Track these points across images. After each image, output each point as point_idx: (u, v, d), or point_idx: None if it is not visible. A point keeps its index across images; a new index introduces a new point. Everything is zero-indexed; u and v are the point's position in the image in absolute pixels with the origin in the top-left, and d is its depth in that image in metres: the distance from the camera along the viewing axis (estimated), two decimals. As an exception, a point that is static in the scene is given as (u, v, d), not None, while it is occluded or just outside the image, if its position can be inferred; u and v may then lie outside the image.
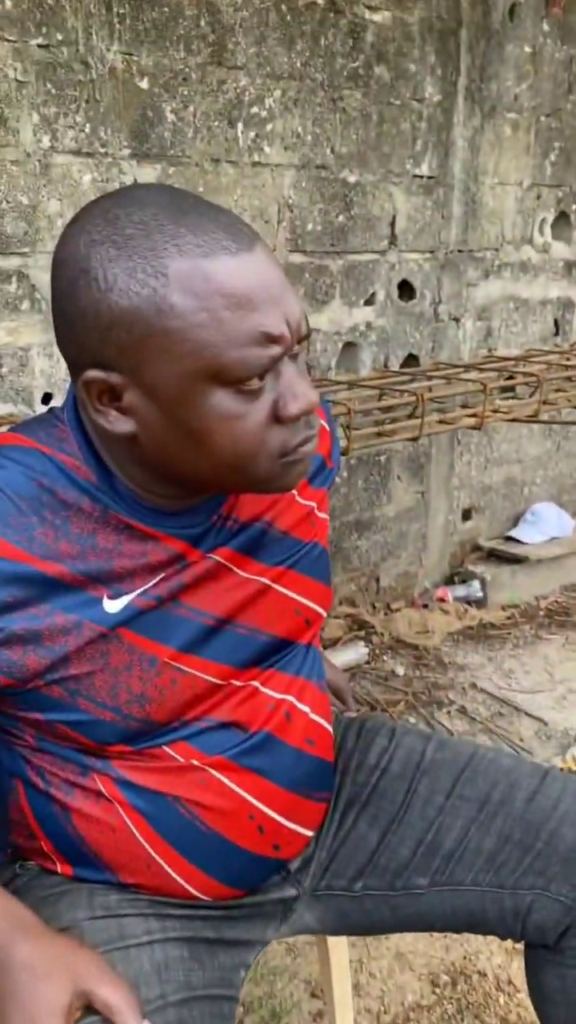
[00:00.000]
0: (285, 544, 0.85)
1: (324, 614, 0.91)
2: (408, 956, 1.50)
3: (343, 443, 1.82)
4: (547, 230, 2.93)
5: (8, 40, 1.70)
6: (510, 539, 3.05)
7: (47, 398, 1.93)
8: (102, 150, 1.87)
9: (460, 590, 2.87)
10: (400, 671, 2.44)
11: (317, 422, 0.74)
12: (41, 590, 0.71)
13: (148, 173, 1.95)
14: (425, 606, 2.81)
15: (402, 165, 2.43)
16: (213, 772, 0.78)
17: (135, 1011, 0.66)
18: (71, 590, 0.72)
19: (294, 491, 0.85)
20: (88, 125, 1.84)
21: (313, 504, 0.89)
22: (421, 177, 2.49)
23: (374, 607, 2.76)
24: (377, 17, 2.27)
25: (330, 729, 0.91)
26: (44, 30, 1.73)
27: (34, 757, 0.79)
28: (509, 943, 1.49)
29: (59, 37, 1.76)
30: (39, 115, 1.77)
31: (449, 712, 2.23)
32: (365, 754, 0.98)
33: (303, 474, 0.74)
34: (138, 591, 0.74)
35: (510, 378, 2.22)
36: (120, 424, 0.69)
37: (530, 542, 3.00)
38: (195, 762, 0.78)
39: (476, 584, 2.86)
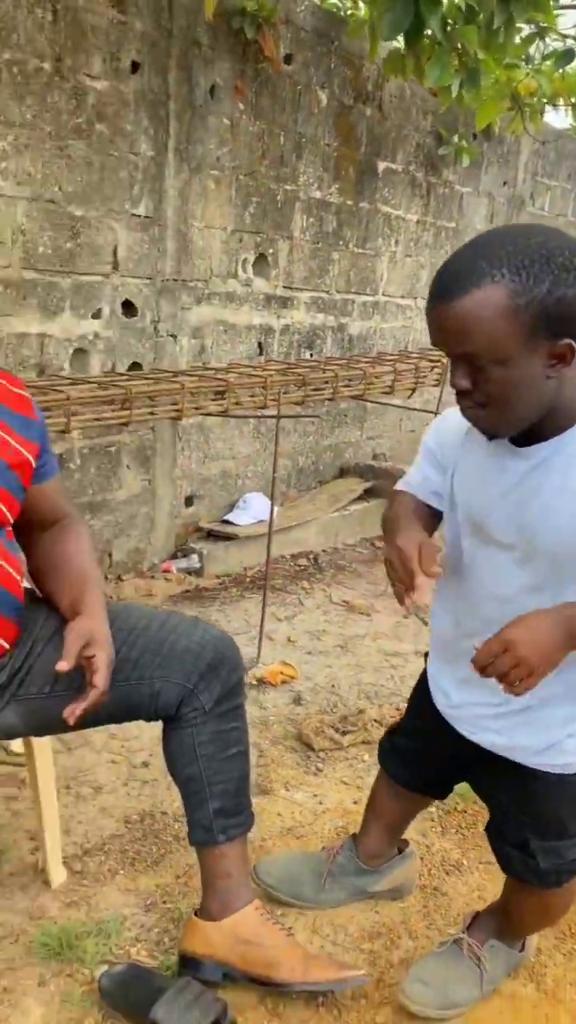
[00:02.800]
0: None
1: (10, 517, 1.36)
2: (108, 808, 1.97)
3: (63, 421, 2.28)
4: (249, 268, 3.58)
5: None
6: (226, 522, 3.63)
7: None
8: None
9: (182, 563, 3.39)
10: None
11: None
12: None
13: None
14: (152, 576, 3.30)
15: (122, 205, 2.94)
16: None
17: None
18: None
19: None
20: None
21: (26, 452, 1.36)
22: (139, 216, 3.02)
23: (107, 577, 3.21)
24: (97, 85, 2.78)
25: (18, 581, 1.36)
26: None
27: None
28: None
29: None
30: None
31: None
32: (48, 611, 1.44)
33: None
34: None
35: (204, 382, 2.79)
36: None
37: (241, 524, 3.60)
38: None
39: (195, 557, 3.41)
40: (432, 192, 4.57)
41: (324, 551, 3.88)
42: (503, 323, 1.05)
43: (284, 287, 3.78)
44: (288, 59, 3.50)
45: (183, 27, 3.00)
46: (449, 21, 2.23)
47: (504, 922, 1.45)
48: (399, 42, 3.49)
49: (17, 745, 2.08)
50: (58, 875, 1.72)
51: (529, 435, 1.18)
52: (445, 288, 1.09)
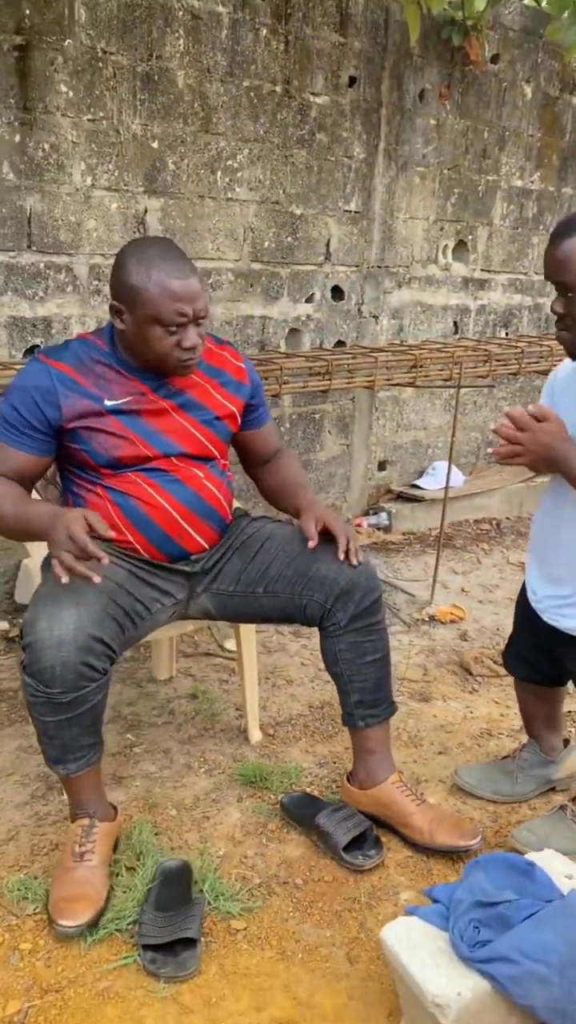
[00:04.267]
0: (199, 408, 1.81)
1: (217, 453, 1.84)
2: (296, 695, 2.45)
3: (276, 388, 2.78)
4: (448, 254, 3.90)
5: (69, 116, 2.64)
6: (415, 486, 4.01)
7: (80, 352, 2.86)
8: (125, 188, 2.82)
9: (372, 519, 3.83)
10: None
11: (198, 352, 1.70)
12: (83, 390, 1.70)
13: (155, 204, 2.89)
14: (345, 529, 3.76)
15: (335, 203, 3.39)
16: (151, 491, 1.74)
17: (102, 522, 1.55)
18: (92, 393, 1.70)
19: (210, 387, 1.83)
20: (117, 171, 2.78)
21: (232, 407, 1.86)
22: (350, 212, 3.46)
23: (306, 527, 3.70)
24: (319, 100, 3.24)
25: (221, 499, 1.84)
26: (92, 110, 2.68)
27: (73, 478, 1.76)
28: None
29: (101, 114, 2.70)
30: (85, 164, 2.71)
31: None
32: (243, 527, 1.92)
33: (186, 374, 1.74)
34: (120, 400, 1.72)
35: (398, 358, 3.18)
36: (120, 326, 1.69)
37: (429, 489, 3.96)
38: (144, 485, 1.73)
39: (384, 515, 3.82)
40: None
41: (507, 518, 4.15)
42: None
43: (482, 270, 4.07)
44: (495, 59, 3.77)
45: (396, 41, 3.38)
46: None
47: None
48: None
49: (231, 644, 2.63)
50: (255, 735, 2.23)
51: None
52: (557, 233, 1.49)
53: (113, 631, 1.62)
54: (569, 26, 2.40)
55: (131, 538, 1.75)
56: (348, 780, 1.90)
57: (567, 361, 1.66)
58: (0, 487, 1.67)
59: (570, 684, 1.87)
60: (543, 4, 3.08)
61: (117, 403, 1.72)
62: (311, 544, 1.75)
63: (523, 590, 1.84)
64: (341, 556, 1.76)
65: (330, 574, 1.78)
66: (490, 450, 1.65)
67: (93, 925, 1.56)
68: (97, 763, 1.67)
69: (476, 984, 1.26)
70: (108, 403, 1.71)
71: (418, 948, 1.31)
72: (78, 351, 1.74)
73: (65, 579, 1.48)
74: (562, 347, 1.58)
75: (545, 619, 1.71)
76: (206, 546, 1.84)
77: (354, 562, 1.76)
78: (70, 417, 1.69)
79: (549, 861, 1.48)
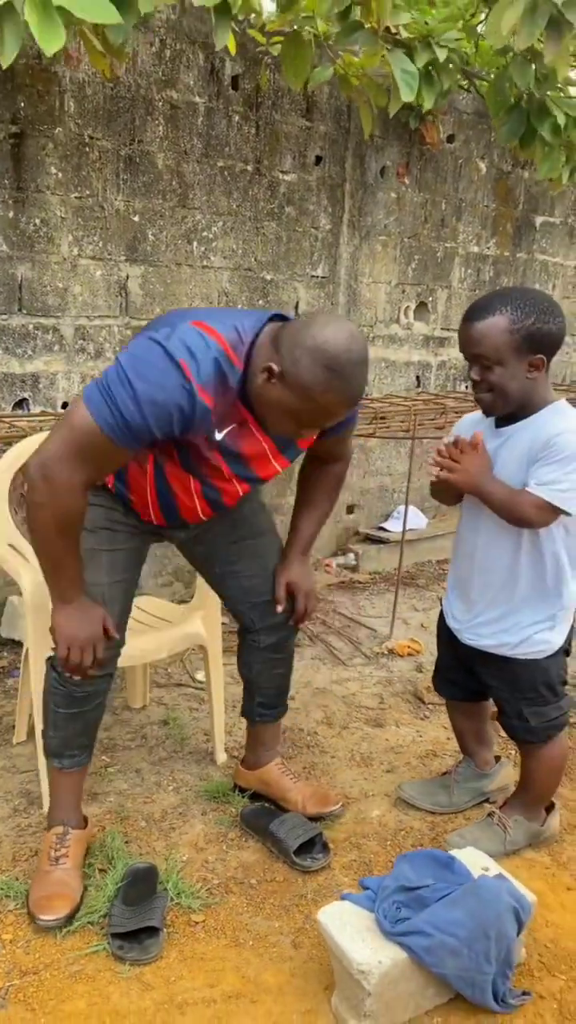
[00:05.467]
0: (294, 447, 1.83)
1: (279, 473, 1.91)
2: (261, 721, 2.65)
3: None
4: (410, 314, 4.21)
5: (58, 195, 2.92)
6: (381, 528, 4.26)
7: (64, 405, 3.11)
8: (108, 257, 3.10)
9: (340, 560, 4.06)
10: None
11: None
12: (209, 424, 1.60)
13: (136, 271, 3.17)
14: (315, 569, 3.99)
15: (303, 269, 3.69)
16: (193, 493, 1.79)
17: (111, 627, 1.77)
18: (213, 425, 1.61)
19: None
20: (101, 242, 3.07)
21: (279, 468, 1.91)
22: (317, 277, 3.76)
23: (278, 567, 3.93)
24: (288, 177, 3.56)
25: (237, 497, 1.93)
26: (79, 189, 2.97)
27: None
28: (314, 728, 2.65)
29: (87, 192, 2.99)
30: (72, 236, 2.99)
31: (314, 621, 3.41)
32: (243, 501, 2.01)
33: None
34: (225, 430, 1.65)
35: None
36: (263, 383, 1.58)
37: (394, 531, 4.21)
38: (192, 488, 1.79)
39: (352, 556, 4.06)
40: (592, 239, 4.97)
41: (468, 560, 4.39)
42: (502, 339, 1.68)
43: (442, 329, 4.37)
44: (450, 139, 4.12)
45: (359, 125, 3.72)
46: (560, 124, 2.72)
47: (525, 796, 1.98)
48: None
49: (201, 675, 2.84)
50: (221, 757, 2.43)
51: (509, 418, 1.76)
52: (471, 314, 1.73)
53: (122, 625, 1.87)
54: (503, 124, 2.70)
55: (151, 513, 1.85)
56: (240, 764, 2.24)
57: (476, 413, 1.92)
58: (73, 530, 1.62)
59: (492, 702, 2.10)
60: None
61: (223, 434, 1.66)
62: (279, 609, 2.00)
63: (441, 616, 2.08)
64: (292, 622, 2.04)
65: (270, 608, 2.02)
66: (430, 460, 1.89)
67: (70, 919, 1.74)
68: (85, 765, 1.91)
69: (395, 954, 1.46)
70: (217, 435, 1.66)
71: (348, 926, 1.51)
72: (222, 375, 1.57)
73: (78, 678, 1.75)
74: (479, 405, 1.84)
75: (463, 640, 1.94)
76: (204, 519, 1.90)
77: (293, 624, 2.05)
78: (183, 440, 1.64)
79: (470, 856, 1.69)
